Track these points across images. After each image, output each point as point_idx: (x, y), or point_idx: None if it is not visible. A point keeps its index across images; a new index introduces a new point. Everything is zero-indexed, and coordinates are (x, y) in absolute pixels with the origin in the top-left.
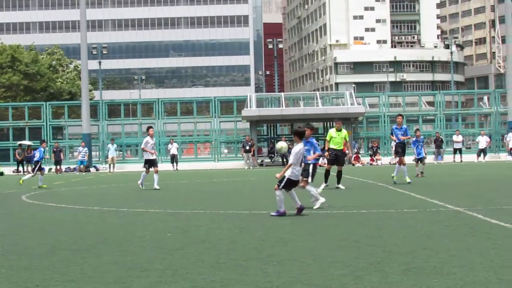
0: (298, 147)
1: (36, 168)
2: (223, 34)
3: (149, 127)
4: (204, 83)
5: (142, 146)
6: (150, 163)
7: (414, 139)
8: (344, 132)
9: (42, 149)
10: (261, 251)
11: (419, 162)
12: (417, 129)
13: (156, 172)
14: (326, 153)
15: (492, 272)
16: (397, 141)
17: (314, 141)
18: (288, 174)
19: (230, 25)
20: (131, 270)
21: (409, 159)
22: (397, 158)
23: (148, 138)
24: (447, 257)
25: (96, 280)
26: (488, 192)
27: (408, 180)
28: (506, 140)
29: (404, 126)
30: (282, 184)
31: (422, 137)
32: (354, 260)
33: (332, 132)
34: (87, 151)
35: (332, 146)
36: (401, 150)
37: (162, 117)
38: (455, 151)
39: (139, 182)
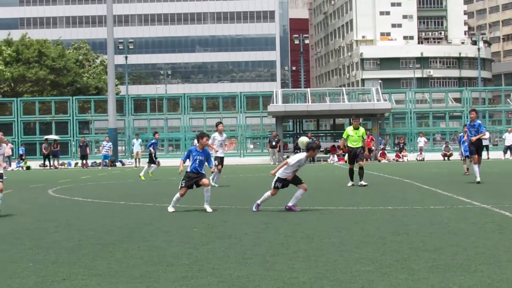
0: (303, 155)
1: (152, 159)
2: (249, 29)
3: (218, 123)
4: (230, 78)
5: (210, 142)
6: (219, 161)
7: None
8: (361, 130)
9: (155, 141)
10: (288, 247)
11: (467, 159)
12: (466, 125)
13: (220, 170)
14: (340, 151)
15: None
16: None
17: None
18: (278, 173)
19: (257, 20)
20: (157, 265)
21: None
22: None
23: (215, 134)
24: (474, 255)
25: (122, 274)
26: None
27: (478, 179)
28: None
29: (478, 121)
30: (274, 184)
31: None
32: (380, 256)
33: (349, 130)
34: (111, 146)
35: (349, 144)
36: (474, 148)
37: (188, 112)
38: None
39: (212, 181)
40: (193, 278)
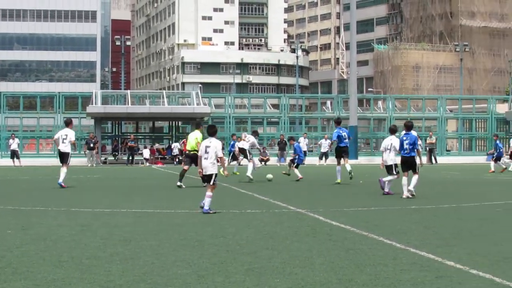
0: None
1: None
2: (70, 28)
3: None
4: (48, 77)
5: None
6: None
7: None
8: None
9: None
10: (104, 250)
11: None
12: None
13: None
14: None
15: (332, 272)
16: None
17: None
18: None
19: (78, 20)
20: None
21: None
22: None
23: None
24: (289, 258)
25: None
26: (329, 195)
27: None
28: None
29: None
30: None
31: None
32: (197, 259)
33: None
34: None
35: (190, 148)
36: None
37: (4, 111)
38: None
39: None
40: (6, 282)
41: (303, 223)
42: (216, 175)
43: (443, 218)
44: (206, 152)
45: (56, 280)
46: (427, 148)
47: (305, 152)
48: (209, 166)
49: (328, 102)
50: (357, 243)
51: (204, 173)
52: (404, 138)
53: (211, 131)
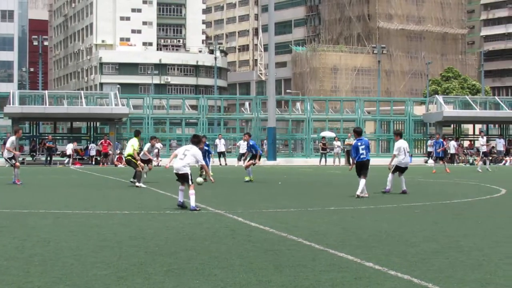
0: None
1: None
2: None
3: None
4: None
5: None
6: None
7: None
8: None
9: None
10: (23, 251)
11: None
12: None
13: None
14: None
15: (251, 273)
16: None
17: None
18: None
19: None
20: None
21: None
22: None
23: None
24: (208, 259)
25: None
26: (248, 196)
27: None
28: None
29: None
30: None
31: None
32: (117, 261)
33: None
34: None
35: (126, 154)
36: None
37: None
38: (219, 155)
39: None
40: None
41: (222, 224)
42: (190, 174)
43: (361, 220)
44: (184, 154)
45: None
46: (345, 150)
47: (223, 152)
48: (181, 167)
49: (247, 103)
50: (276, 244)
51: (176, 173)
52: (359, 143)
53: (195, 140)
